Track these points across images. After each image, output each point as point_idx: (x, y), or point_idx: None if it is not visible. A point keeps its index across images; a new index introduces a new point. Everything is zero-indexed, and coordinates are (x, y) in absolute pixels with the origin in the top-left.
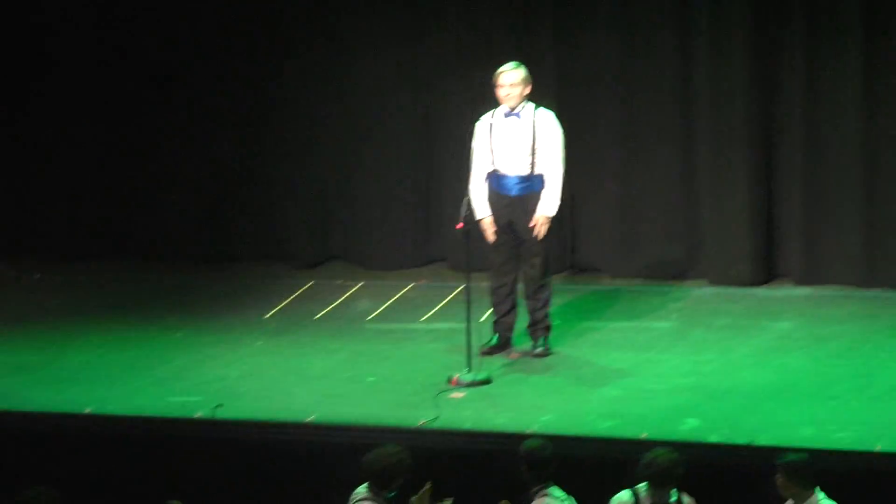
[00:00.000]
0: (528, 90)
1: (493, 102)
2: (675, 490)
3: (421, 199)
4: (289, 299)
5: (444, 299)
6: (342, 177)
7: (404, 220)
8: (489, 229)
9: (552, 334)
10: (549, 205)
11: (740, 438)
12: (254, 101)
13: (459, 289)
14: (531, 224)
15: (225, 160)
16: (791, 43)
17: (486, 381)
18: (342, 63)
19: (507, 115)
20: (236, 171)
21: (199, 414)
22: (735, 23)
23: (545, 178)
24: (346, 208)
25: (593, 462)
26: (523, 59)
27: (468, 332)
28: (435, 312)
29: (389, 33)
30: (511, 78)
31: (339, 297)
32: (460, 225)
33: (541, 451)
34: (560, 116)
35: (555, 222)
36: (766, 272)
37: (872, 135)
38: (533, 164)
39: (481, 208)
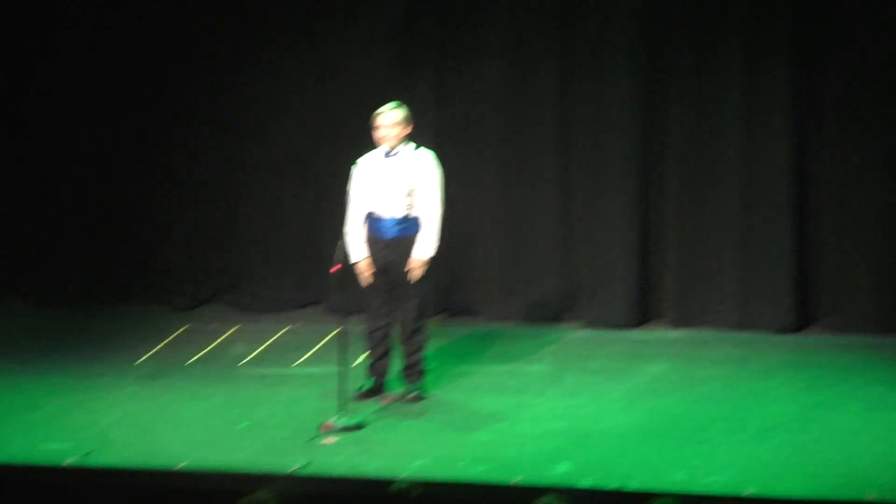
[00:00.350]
0: (407, 131)
1: (373, 144)
2: None
3: (298, 243)
4: (162, 343)
5: (318, 343)
6: (219, 220)
7: (281, 263)
8: (365, 272)
9: (427, 378)
10: (424, 248)
11: (612, 483)
12: (133, 141)
13: (334, 332)
14: (406, 267)
15: (107, 207)
16: (669, 89)
17: (360, 427)
18: (221, 105)
19: (385, 155)
20: (114, 212)
21: (69, 461)
22: (614, 66)
23: (421, 220)
24: (222, 251)
25: None
26: (403, 101)
27: (342, 377)
28: (309, 356)
29: (270, 75)
30: (387, 119)
31: (214, 341)
32: (335, 268)
33: (408, 493)
34: (438, 159)
35: (431, 265)
36: (640, 315)
37: (747, 180)
38: (409, 205)
39: (357, 251)
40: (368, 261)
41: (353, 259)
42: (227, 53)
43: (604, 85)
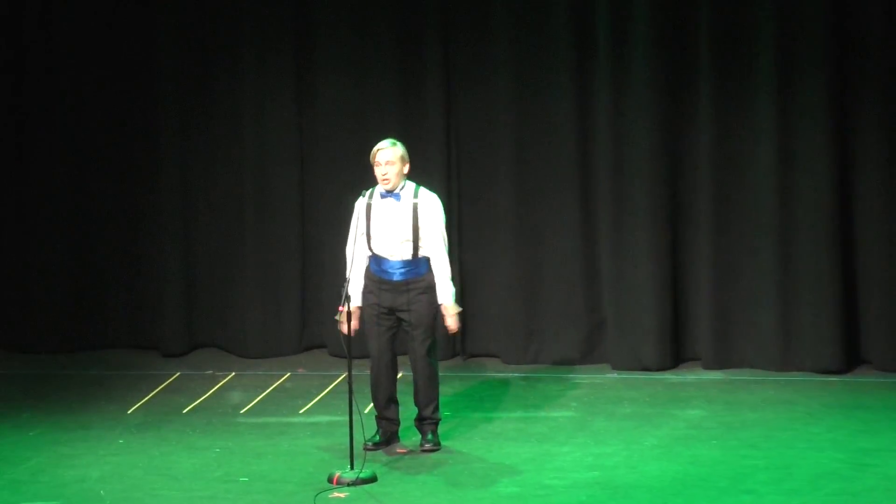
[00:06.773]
0: (406, 168)
1: (373, 179)
2: None
3: (298, 282)
4: (154, 392)
5: (324, 390)
6: (213, 259)
7: (280, 304)
8: (353, 319)
9: (442, 427)
10: (446, 293)
11: None
12: (121, 181)
13: (341, 377)
14: (449, 326)
15: (89, 243)
16: (697, 112)
17: (371, 480)
18: (217, 141)
19: (383, 195)
20: (101, 254)
21: None
22: (637, 90)
23: (431, 262)
24: (217, 292)
25: None
26: (414, 133)
27: (351, 426)
28: (314, 404)
29: (266, 102)
30: (388, 155)
31: (210, 389)
32: (342, 308)
33: None
34: (451, 192)
35: (438, 307)
36: (673, 356)
37: (786, 209)
38: (416, 248)
39: (355, 296)
40: (361, 307)
41: (352, 303)
42: (218, 84)
43: (626, 110)
